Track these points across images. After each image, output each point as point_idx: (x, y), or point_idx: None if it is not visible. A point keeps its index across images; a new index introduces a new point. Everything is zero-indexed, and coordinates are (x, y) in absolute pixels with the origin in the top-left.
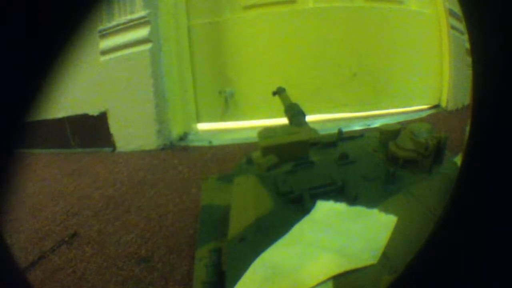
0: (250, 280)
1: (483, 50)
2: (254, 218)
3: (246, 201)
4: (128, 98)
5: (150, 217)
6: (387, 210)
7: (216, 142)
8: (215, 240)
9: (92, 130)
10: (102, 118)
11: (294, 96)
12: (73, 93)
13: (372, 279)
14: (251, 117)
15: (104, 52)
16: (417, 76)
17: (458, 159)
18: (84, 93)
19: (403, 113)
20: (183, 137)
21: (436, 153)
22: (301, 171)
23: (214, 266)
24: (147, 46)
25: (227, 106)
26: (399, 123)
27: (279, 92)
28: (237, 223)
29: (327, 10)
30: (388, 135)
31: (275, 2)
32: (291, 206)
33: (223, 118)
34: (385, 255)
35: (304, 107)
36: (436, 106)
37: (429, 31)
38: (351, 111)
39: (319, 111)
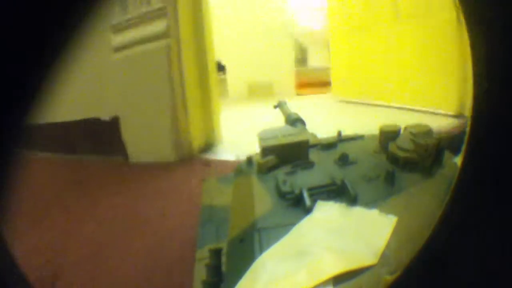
0: (250, 280)
1: (483, 50)
2: (254, 218)
3: (246, 201)
4: (142, 101)
5: None
6: (387, 211)
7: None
8: (215, 241)
9: (102, 136)
10: (113, 124)
11: None
12: (83, 94)
13: (372, 279)
14: None
15: (117, 49)
16: (440, 82)
17: (458, 160)
18: (95, 94)
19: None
20: (205, 149)
21: (436, 153)
22: (301, 171)
23: (214, 266)
24: (164, 41)
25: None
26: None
27: (280, 105)
28: (237, 224)
29: None
30: (388, 136)
31: None
32: (291, 207)
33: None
34: (385, 255)
35: None
36: (460, 116)
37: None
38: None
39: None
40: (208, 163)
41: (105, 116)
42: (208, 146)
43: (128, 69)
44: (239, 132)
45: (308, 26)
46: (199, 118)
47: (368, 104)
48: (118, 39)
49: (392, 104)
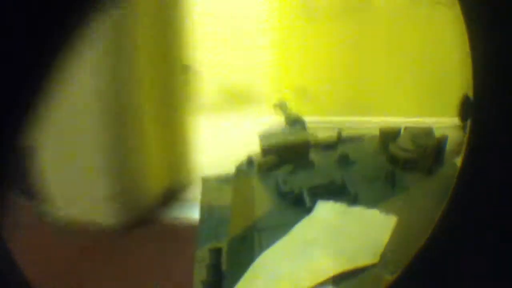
0: (250, 280)
1: (483, 50)
2: (254, 218)
3: (246, 201)
4: (65, 124)
5: None
6: (387, 210)
7: None
8: (215, 240)
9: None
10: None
11: None
12: None
13: (372, 279)
14: None
15: None
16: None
17: (458, 160)
18: None
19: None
20: (171, 197)
21: (436, 154)
22: (301, 171)
23: (214, 266)
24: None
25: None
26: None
27: (281, 105)
28: (237, 223)
29: None
30: (388, 136)
31: None
32: (291, 207)
33: None
34: (385, 255)
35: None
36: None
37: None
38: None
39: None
40: (166, 227)
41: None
42: (175, 192)
43: None
44: (217, 162)
45: None
46: (160, 151)
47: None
48: None
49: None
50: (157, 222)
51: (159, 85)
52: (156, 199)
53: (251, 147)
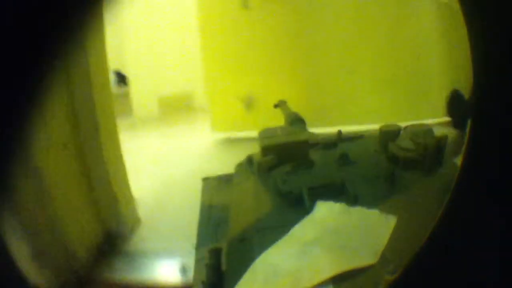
0: (250, 280)
1: (483, 50)
2: (254, 218)
3: (246, 201)
4: None
5: None
6: (387, 211)
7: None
8: (215, 240)
9: None
10: None
11: None
12: None
13: (372, 279)
14: None
15: None
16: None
17: (458, 160)
18: None
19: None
20: (105, 254)
21: (436, 153)
22: (301, 171)
23: (214, 266)
24: None
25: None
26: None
27: (280, 104)
28: (237, 223)
29: None
30: (388, 135)
31: None
32: (291, 207)
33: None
34: (385, 255)
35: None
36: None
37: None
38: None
39: (349, 122)
40: None
41: None
42: (113, 243)
43: None
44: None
45: None
46: (82, 197)
47: None
48: None
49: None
50: (95, 282)
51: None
52: (90, 254)
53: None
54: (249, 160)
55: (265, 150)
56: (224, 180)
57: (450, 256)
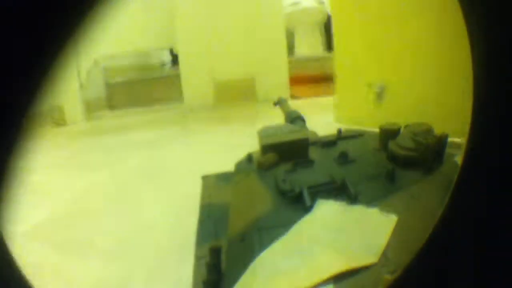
0: (250, 279)
1: (483, 51)
2: (254, 217)
3: (246, 200)
4: None
5: None
6: (387, 210)
7: None
8: (215, 239)
9: None
10: None
11: None
12: None
13: (372, 279)
14: None
15: None
16: None
17: (459, 159)
18: None
19: None
20: None
21: (436, 152)
22: (301, 169)
23: (214, 266)
24: None
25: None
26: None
27: (280, 102)
28: (237, 222)
29: None
30: (388, 134)
31: None
32: (291, 205)
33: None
34: (385, 255)
35: None
36: None
37: None
38: None
39: None
40: None
41: None
42: None
43: None
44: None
45: (294, 1)
46: None
47: None
48: None
49: None
50: None
51: None
52: None
53: None
54: (249, 158)
55: (265, 148)
56: (224, 179)
57: (450, 256)
